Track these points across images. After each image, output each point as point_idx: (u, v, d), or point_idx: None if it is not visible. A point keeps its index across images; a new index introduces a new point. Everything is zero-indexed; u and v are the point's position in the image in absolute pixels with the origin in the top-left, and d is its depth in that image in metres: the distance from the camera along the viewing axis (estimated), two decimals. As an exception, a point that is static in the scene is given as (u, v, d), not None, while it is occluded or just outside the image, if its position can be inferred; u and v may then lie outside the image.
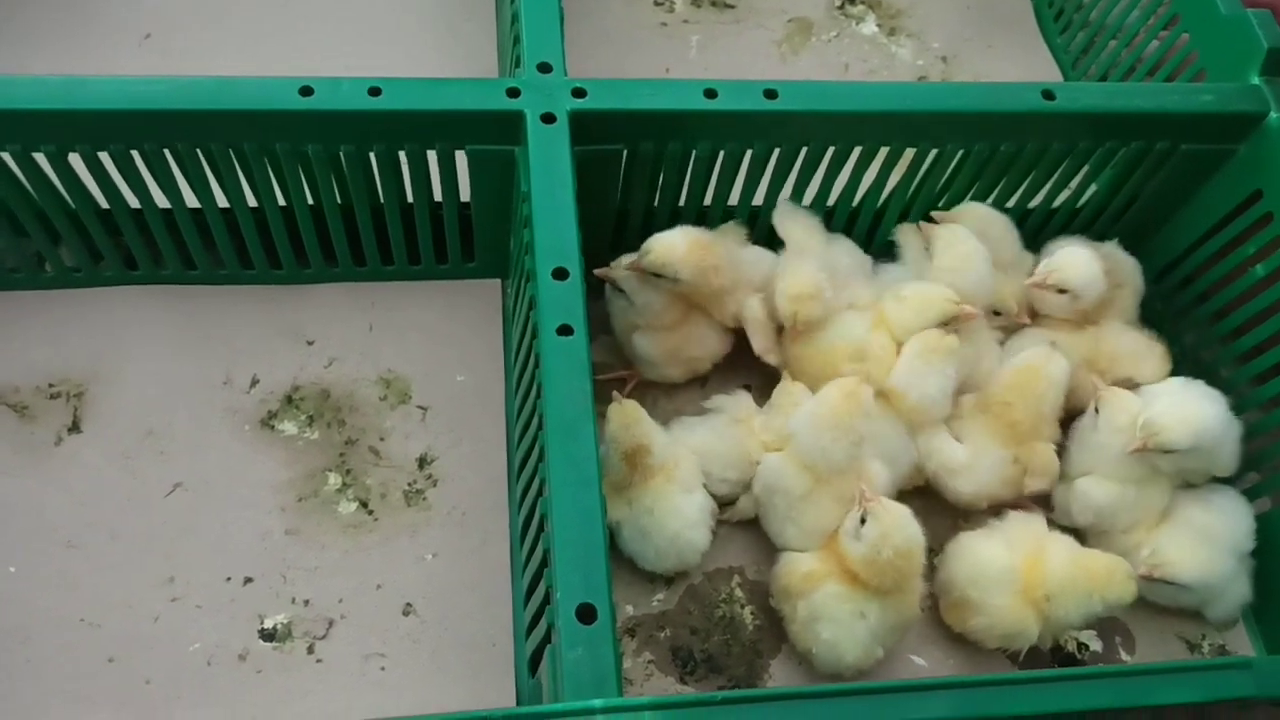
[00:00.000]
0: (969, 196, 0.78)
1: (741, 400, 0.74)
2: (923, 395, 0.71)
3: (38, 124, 0.64)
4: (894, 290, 0.74)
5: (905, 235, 0.78)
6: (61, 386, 0.73)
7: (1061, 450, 0.73)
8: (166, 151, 0.66)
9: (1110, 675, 0.52)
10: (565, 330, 0.59)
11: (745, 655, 0.68)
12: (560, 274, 0.60)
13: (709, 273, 0.70)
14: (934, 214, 0.77)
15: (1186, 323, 0.82)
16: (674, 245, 0.70)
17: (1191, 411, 0.68)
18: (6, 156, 0.65)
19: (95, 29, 0.88)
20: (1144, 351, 0.77)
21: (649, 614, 0.69)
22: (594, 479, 0.54)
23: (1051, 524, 0.71)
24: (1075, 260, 0.75)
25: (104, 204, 0.70)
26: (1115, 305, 0.78)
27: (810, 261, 0.73)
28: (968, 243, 0.74)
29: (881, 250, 0.79)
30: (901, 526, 0.64)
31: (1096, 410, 0.71)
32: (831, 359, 0.72)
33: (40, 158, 0.66)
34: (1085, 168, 0.78)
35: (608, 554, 0.52)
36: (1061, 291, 0.74)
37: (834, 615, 0.64)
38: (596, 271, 0.71)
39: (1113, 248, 0.80)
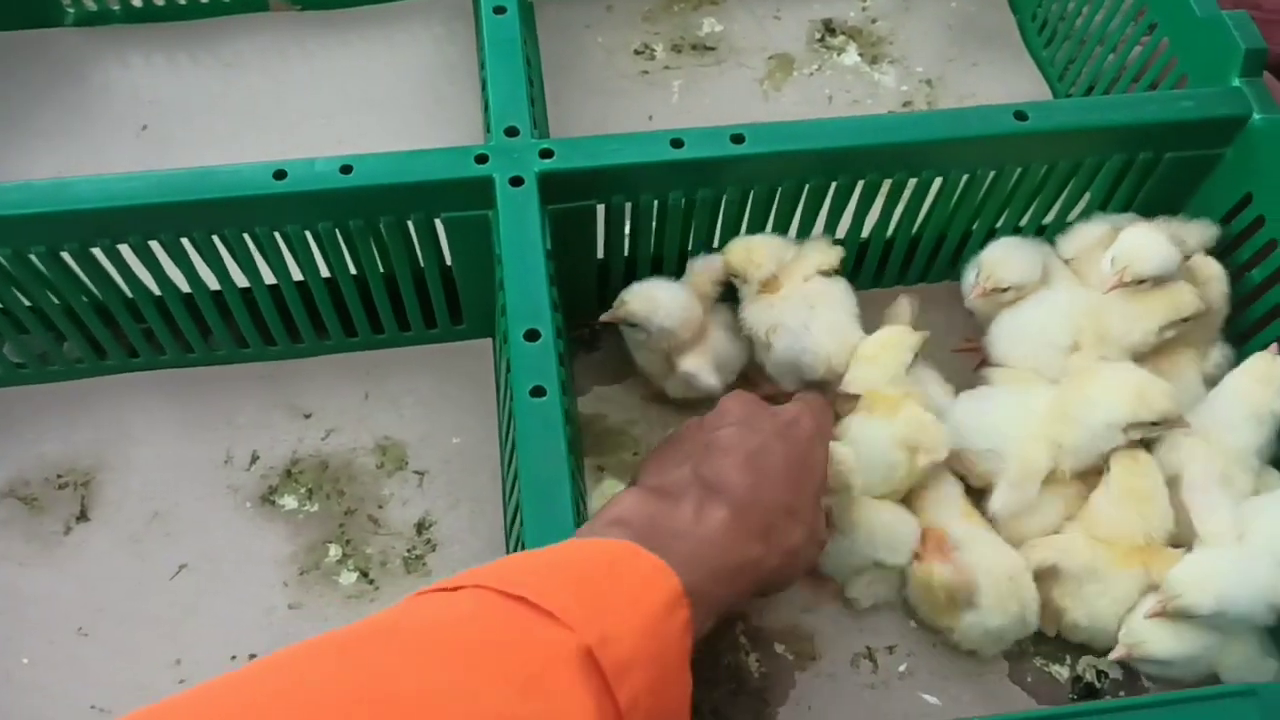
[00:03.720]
0: (954, 220, 0.77)
1: None
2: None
3: (27, 227, 0.66)
4: None
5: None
6: (69, 476, 0.74)
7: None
8: (152, 243, 0.68)
9: (1112, 711, 0.51)
10: (538, 392, 0.59)
11: (751, 704, 0.67)
12: (532, 335, 0.61)
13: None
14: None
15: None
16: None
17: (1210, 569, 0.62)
18: (2, 260, 0.68)
19: (96, 125, 0.91)
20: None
21: (653, 667, 0.69)
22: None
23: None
24: (1138, 245, 0.70)
25: (99, 296, 0.72)
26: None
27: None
28: None
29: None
30: None
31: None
32: None
33: (34, 259, 0.68)
34: (1071, 183, 0.77)
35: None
36: (1141, 281, 0.69)
37: None
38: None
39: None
